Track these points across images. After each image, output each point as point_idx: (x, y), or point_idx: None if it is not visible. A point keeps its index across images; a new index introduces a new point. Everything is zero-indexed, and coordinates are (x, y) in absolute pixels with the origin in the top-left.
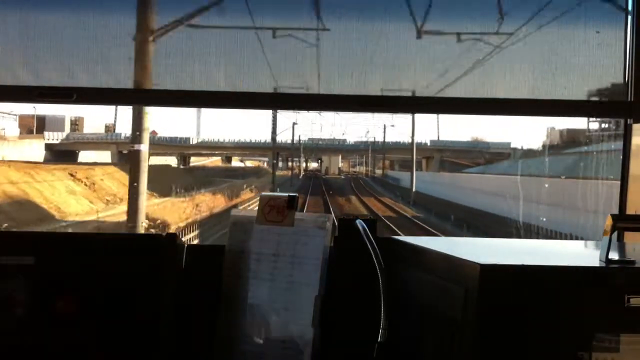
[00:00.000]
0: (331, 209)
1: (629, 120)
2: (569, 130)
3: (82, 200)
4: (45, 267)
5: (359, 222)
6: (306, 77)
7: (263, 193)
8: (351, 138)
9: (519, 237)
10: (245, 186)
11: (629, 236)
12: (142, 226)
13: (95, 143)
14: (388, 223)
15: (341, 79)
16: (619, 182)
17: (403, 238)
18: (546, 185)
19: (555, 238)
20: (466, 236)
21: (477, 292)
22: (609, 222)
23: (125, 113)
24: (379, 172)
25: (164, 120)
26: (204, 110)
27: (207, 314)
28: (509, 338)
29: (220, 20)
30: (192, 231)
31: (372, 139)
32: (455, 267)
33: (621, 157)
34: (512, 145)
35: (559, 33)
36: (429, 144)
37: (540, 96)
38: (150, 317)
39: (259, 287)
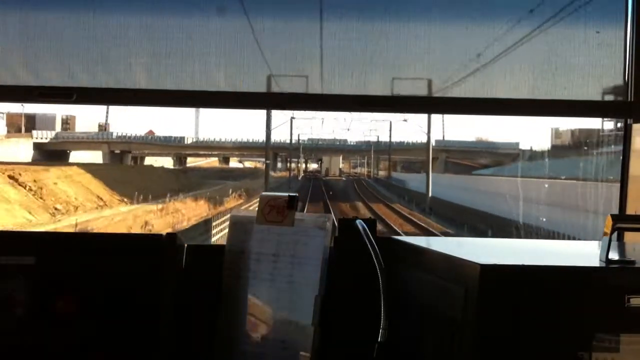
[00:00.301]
0: (335, 221)
1: (629, 120)
2: (581, 130)
3: (18, 210)
4: (45, 267)
5: (359, 222)
6: (306, 77)
7: (263, 193)
8: (353, 138)
9: None
10: (231, 191)
11: (629, 236)
12: None
13: (86, 142)
14: None
15: (341, 78)
16: None
17: (403, 238)
18: (580, 190)
19: None
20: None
21: (477, 292)
22: (609, 222)
23: (120, 112)
24: (381, 173)
25: (162, 120)
26: (202, 109)
27: (207, 314)
28: (509, 338)
29: (220, 20)
30: None
31: (374, 139)
32: (455, 267)
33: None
34: (521, 146)
35: (559, 33)
36: (434, 144)
37: (540, 96)
38: (150, 317)
39: (259, 287)
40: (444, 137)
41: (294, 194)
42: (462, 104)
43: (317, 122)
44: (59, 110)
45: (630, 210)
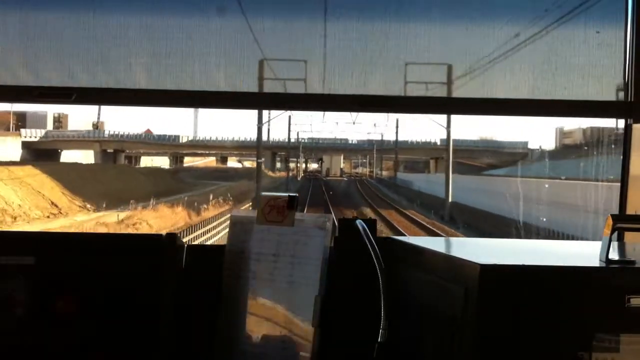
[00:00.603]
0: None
1: (629, 120)
2: (593, 129)
3: None
4: (45, 267)
5: (359, 223)
6: (306, 77)
7: (263, 193)
8: (355, 136)
9: None
10: (211, 197)
11: (629, 236)
12: None
13: (77, 141)
14: None
15: (341, 79)
16: None
17: (403, 238)
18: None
19: None
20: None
21: (477, 292)
22: (609, 222)
23: (118, 111)
24: (384, 173)
25: (161, 119)
26: (201, 109)
27: (207, 314)
28: (508, 338)
29: (220, 20)
30: None
31: (377, 137)
32: (455, 267)
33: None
34: (529, 145)
35: (559, 33)
36: (438, 143)
37: (540, 96)
38: (150, 317)
39: (259, 287)
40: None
41: (294, 194)
42: (462, 104)
43: (318, 116)
44: (50, 108)
45: (630, 210)
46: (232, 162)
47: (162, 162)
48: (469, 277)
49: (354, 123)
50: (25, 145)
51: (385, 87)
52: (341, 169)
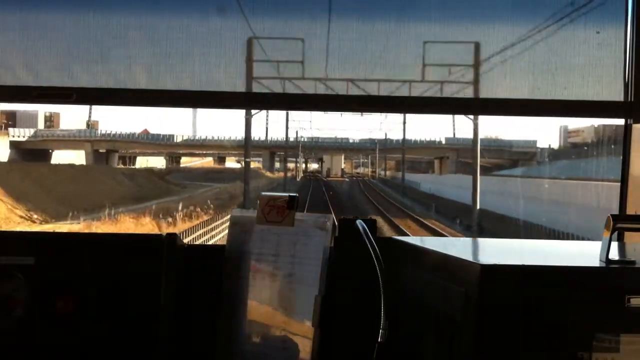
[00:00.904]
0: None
1: (629, 120)
2: (606, 127)
3: None
4: (45, 267)
5: (359, 223)
6: (305, 77)
7: (263, 193)
8: (357, 135)
9: None
10: (181, 206)
11: (629, 236)
12: None
13: (67, 141)
14: None
15: (342, 77)
16: None
17: (403, 238)
18: None
19: None
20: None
21: (477, 292)
22: (609, 222)
23: (114, 110)
24: (387, 173)
25: (159, 119)
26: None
27: (207, 314)
28: (508, 338)
29: (220, 20)
30: None
31: (380, 136)
32: (455, 267)
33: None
34: (539, 145)
35: (559, 33)
36: (444, 142)
37: (540, 96)
38: (150, 317)
39: (259, 287)
40: (454, 134)
41: (294, 194)
42: (462, 104)
43: (319, 112)
44: (42, 107)
45: (630, 210)
46: (231, 163)
47: (159, 162)
48: (469, 277)
49: (361, 114)
50: (14, 145)
51: (385, 87)
52: (342, 169)
